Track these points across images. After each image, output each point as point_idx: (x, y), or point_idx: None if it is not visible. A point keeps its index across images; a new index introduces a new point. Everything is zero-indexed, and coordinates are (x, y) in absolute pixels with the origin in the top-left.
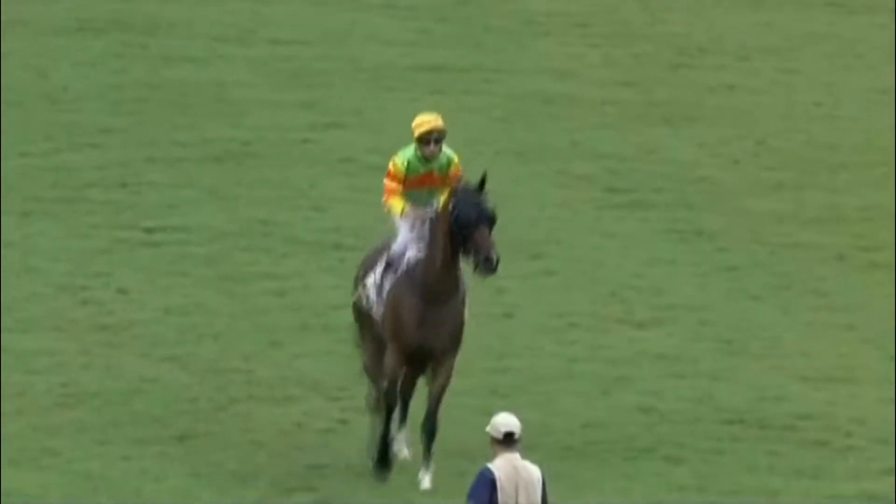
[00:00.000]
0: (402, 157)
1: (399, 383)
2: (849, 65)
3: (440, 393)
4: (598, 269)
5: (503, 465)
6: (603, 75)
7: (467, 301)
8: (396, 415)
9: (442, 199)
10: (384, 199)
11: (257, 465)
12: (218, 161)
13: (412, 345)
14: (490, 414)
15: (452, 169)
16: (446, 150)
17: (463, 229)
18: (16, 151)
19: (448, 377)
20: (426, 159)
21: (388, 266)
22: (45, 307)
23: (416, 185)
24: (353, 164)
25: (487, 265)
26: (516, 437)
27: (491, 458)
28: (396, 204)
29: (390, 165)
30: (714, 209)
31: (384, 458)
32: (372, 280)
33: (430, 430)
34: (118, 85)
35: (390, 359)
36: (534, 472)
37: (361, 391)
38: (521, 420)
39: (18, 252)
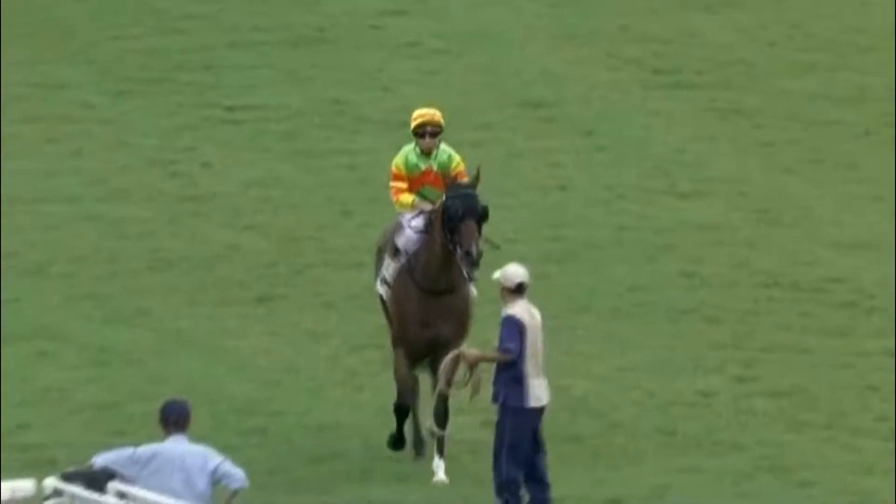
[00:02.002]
0: (401, 156)
1: (410, 389)
2: None
3: None
4: (645, 145)
5: (522, 312)
6: None
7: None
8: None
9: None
10: (394, 200)
11: (330, 324)
12: (295, 45)
13: (418, 339)
14: (547, 278)
15: (454, 167)
16: (447, 149)
17: (451, 222)
18: (109, 35)
19: None
20: (424, 154)
21: (395, 256)
22: (137, 179)
23: (416, 183)
24: (419, 49)
25: (468, 259)
26: (525, 285)
27: (505, 306)
28: (406, 199)
29: (392, 167)
30: (752, 89)
31: (397, 442)
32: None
33: (440, 417)
34: None
35: (398, 362)
36: (539, 316)
37: None
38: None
39: (113, 128)
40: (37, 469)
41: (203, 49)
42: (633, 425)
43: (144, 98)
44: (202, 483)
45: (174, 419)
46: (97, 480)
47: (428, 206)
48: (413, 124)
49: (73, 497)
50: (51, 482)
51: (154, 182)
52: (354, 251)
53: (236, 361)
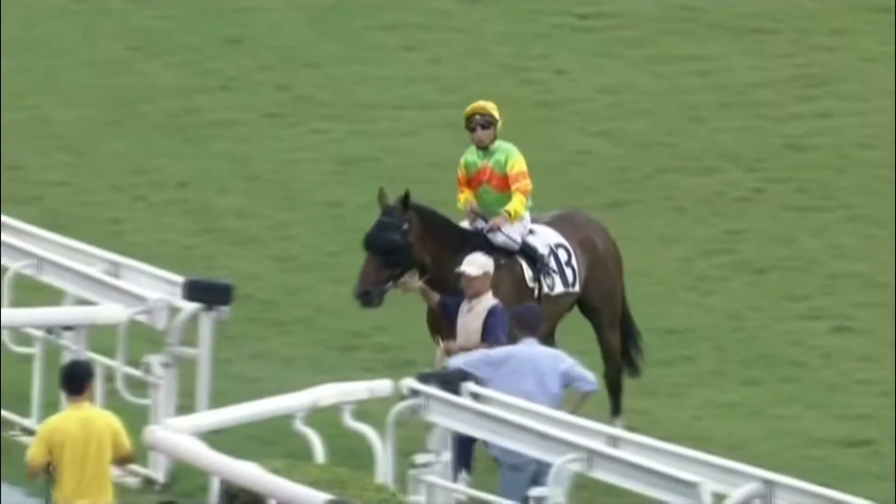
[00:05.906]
0: (463, 157)
1: None
2: None
3: None
4: None
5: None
6: None
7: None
8: None
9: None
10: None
11: (680, 229)
12: None
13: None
14: None
15: (511, 166)
16: (506, 147)
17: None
18: None
19: None
20: (479, 151)
21: None
22: (492, 86)
23: (474, 182)
24: None
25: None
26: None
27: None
28: (460, 200)
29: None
30: None
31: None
32: None
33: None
34: None
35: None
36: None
37: (776, 163)
38: None
39: (468, 36)
40: (395, 369)
41: None
42: None
43: (500, 6)
44: (554, 385)
45: (526, 323)
46: (451, 381)
47: (472, 207)
48: (464, 119)
49: (429, 397)
50: (407, 382)
51: (508, 89)
52: (705, 156)
53: None
